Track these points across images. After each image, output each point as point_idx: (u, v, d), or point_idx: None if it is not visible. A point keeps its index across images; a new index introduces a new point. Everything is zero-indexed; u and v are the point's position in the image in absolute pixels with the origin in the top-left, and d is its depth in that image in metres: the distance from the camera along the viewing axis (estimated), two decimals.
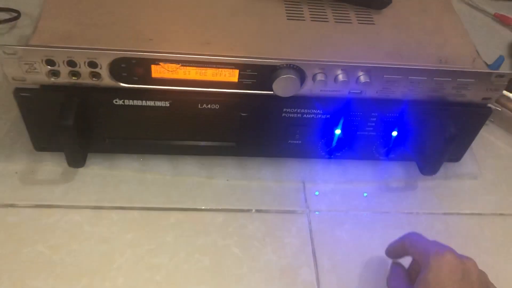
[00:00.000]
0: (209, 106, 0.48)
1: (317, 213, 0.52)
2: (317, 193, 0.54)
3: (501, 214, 0.55)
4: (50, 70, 0.44)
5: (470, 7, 0.82)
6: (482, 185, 0.57)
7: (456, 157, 0.57)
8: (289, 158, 0.55)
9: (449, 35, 0.52)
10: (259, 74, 0.46)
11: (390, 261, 0.46)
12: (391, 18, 0.53)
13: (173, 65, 0.45)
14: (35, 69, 0.43)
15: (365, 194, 0.55)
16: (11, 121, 0.55)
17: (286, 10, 0.51)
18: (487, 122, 0.62)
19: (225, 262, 0.47)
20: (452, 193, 0.56)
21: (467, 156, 0.58)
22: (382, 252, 0.46)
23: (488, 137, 0.62)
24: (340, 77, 0.46)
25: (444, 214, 0.54)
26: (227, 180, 0.53)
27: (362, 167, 0.56)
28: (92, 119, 0.48)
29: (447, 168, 0.57)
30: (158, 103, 0.47)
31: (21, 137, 0.52)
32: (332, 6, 0.53)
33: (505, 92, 0.62)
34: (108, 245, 0.47)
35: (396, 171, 0.56)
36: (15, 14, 0.65)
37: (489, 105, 0.51)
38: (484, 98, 0.50)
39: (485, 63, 0.60)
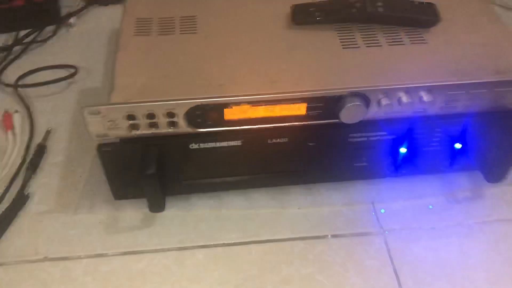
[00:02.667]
0: (278, 140, 0.50)
1: (390, 232, 0.53)
2: (382, 210, 0.55)
3: None
4: (131, 124, 0.46)
5: (506, 9, 0.83)
6: None
7: None
8: (356, 180, 0.57)
9: (501, 45, 0.53)
10: (326, 104, 0.48)
11: (471, 271, 0.47)
12: (441, 35, 0.54)
13: (244, 106, 0.47)
14: (117, 124, 0.46)
15: (430, 207, 0.56)
16: (86, 174, 0.57)
17: (340, 40, 0.53)
18: None
19: None
20: None
21: None
22: (460, 264, 0.47)
23: None
24: (404, 99, 0.48)
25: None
26: (299, 208, 0.55)
27: (428, 181, 0.57)
28: (170, 164, 0.50)
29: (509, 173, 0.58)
30: (231, 143, 0.49)
31: (99, 188, 0.55)
32: (383, 30, 0.54)
33: None
34: (198, 284, 0.49)
35: (461, 182, 0.57)
36: (72, 70, 0.69)
37: None
38: None
39: None
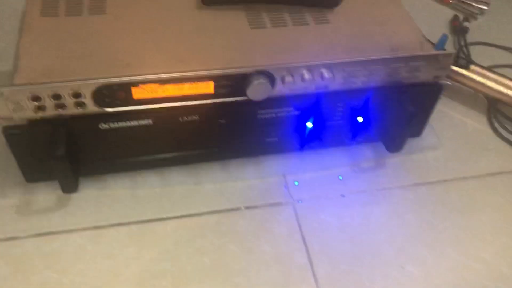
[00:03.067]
0: (189, 118, 0.52)
1: (300, 202, 0.56)
2: (296, 183, 0.58)
3: (463, 178, 0.61)
4: (36, 106, 0.46)
5: None
6: (443, 154, 0.63)
7: (417, 133, 0.63)
8: (268, 155, 0.59)
9: (397, 25, 0.57)
10: (233, 83, 0.50)
11: (372, 233, 0.51)
12: (343, 15, 0.57)
13: (152, 85, 0.48)
14: (22, 106, 0.46)
15: (340, 178, 0.60)
16: None
17: (248, 20, 0.55)
18: (440, 96, 0.68)
19: (224, 259, 0.51)
20: (418, 165, 0.61)
21: (427, 131, 0.63)
22: (362, 227, 0.51)
23: (443, 110, 0.68)
24: (306, 76, 0.51)
25: (414, 185, 0.59)
26: (214, 183, 0.57)
27: (335, 154, 0.61)
28: (81, 145, 0.51)
29: (410, 143, 0.63)
30: (142, 122, 0.50)
31: (10, 172, 0.54)
32: (289, 11, 0.57)
33: (454, 68, 0.68)
34: (113, 260, 0.50)
35: (366, 153, 0.62)
36: None
37: (441, 81, 0.57)
38: (435, 77, 0.56)
39: (432, 43, 0.66)
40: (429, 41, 0.70)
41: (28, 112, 0.46)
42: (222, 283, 0.49)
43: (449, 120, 0.67)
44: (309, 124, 0.56)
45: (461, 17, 0.83)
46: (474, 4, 0.86)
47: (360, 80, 0.53)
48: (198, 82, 0.49)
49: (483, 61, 0.74)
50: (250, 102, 0.51)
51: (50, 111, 0.47)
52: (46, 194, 0.54)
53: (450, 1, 0.86)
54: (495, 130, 0.67)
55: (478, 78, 0.68)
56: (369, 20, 0.58)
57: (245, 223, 0.54)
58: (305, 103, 0.54)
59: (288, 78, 0.51)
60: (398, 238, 0.54)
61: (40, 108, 0.46)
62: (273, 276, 0.50)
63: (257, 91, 0.50)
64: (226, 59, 0.50)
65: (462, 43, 0.78)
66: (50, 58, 0.48)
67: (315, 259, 0.52)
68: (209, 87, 0.50)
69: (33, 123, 0.48)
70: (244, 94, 0.50)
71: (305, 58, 0.51)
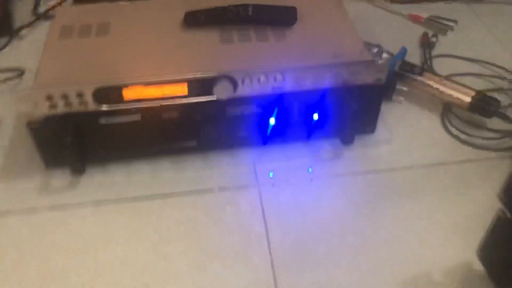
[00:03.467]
0: (170, 115, 0.65)
1: (263, 185, 0.68)
2: (271, 174, 0.70)
3: (410, 167, 0.70)
4: (50, 104, 0.61)
5: (386, 11, 0.99)
6: (394, 148, 0.73)
7: (371, 129, 0.73)
8: (241, 148, 0.71)
9: (343, 37, 0.69)
10: (202, 85, 0.63)
11: (324, 212, 0.62)
12: (299, 32, 0.70)
13: (138, 87, 0.62)
14: (39, 105, 0.60)
15: (310, 170, 0.71)
16: (25, 151, 0.71)
17: (219, 37, 0.69)
18: (400, 100, 0.78)
19: (196, 227, 0.63)
20: (370, 157, 0.71)
21: (382, 129, 0.74)
22: (314, 206, 0.61)
23: (400, 112, 0.78)
24: (262, 79, 0.63)
25: (364, 172, 0.69)
26: (194, 171, 0.70)
27: (299, 147, 0.72)
28: (85, 137, 0.65)
29: (365, 139, 0.73)
30: (132, 118, 0.64)
31: (32, 160, 0.69)
32: (255, 30, 0.70)
33: (410, 75, 0.78)
34: (108, 227, 0.63)
35: (325, 146, 0.72)
36: (19, 72, 0.83)
37: (380, 83, 0.67)
38: (377, 79, 0.67)
39: (391, 54, 0.77)
40: (389, 52, 0.82)
41: (44, 109, 0.61)
42: (193, 245, 0.61)
43: (405, 121, 0.77)
44: (272, 121, 0.68)
45: (431, 34, 0.93)
46: (443, 22, 0.96)
47: (309, 83, 0.65)
48: (174, 85, 0.62)
49: (445, 70, 0.84)
50: (219, 102, 0.64)
51: (60, 109, 0.61)
52: (60, 177, 0.68)
53: (422, 20, 0.97)
54: (446, 128, 0.76)
55: (432, 84, 0.78)
56: (320, 34, 0.69)
57: (216, 201, 0.66)
58: (266, 102, 0.66)
59: (247, 81, 0.63)
60: (343, 214, 0.64)
61: (53, 106, 0.61)
62: (235, 240, 0.61)
63: (221, 91, 0.63)
64: (197, 66, 0.63)
65: (427, 55, 0.88)
66: (61, 69, 0.63)
67: (270, 230, 0.62)
68: (183, 89, 0.63)
69: (48, 119, 0.62)
70: (212, 94, 0.63)
71: (261, 65, 0.63)
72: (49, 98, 0.60)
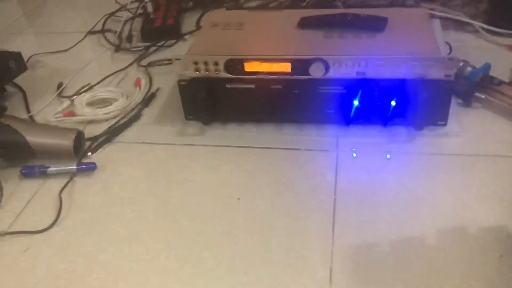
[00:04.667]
0: (276, 86, 0.86)
1: (341, 152, 0.84)
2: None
3: (472, 155, 0.81)
4: (195, 68, 0.86)
5: (486, 41, 1.11)
6: (462, 140, 0.84)
7: (443, 122, 0.86)
8: (328, 124, 0.89)
9: (423, 42, 0.84)
10: (302, 65, 0.83)
11: (385, 175, 0.77)
12: (387, 36, 0.87)
13: (255, 63, 0.84)
14: (188, 67, 0.87)
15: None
16: (173, 111, 0.98)
17: (323, 35, 0.89)
18: (478, 106, 0.90)
19: (282, 169, 0.82)
20: (439, 143, 0.84)
21: (454, 125, 0.86)
22: (380, 171, 0.77)
23: (474, 115, 0.89)
24: (349, 64, 0.82)
25: (430, 153, 0.82)
26: (289, 135, 0.89)
27: (378, 129, 0.87)
28: (215, 96, 0.89)
29: (438, 130, 0.86)
30: (248, 86, 0.87)
31: (178, 114, 0.95)
32: (352, 32, 0.89)
33: (491, 85, 0.90)
34: (222, 160, 0.85)
35: (400, 130, 0.87)
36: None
37: (451, 79, 0.81)
38: (446, 75, 0.80)
39: (475, 67, 0.90)
40: (475, 67, 0.94)
41: (191, 71, 0.87)
42: (277, 179, 0.80)
43: (478, 123, 0.88)
44: (356, 102, 0.85)
45: None
46: None
47: (387, 72, 0.81)
48: (281, 63, 0.84)
49: None
50: (313, 80, 0.84)
51: (202, 73, 0.87)
52: (193, 126, 0.93)
53: None
54: None
55: (508, 93, 0.88)
56: (403, 39, 0.86)
57: (302, 156, 0.84)
58: (351, 85, 0.84)
59: (337, 65, 0.82)
60: (402, 179, 0.78)
61: (197, 69, 0.87)
62: (309, 182, 0.79)
63: (316, 71, 0.83)
64: (300, 50, 0.84)
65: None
66: (206, 46, 0.89)
67: (339, 179, 0.79)
68: (287, 67, 0.84)
69: (193, 79, 0.88)
70: (309, 74, 0.83)
71: (349, 53, 0.82)
72: (195, 63, 0.86)
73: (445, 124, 0.86)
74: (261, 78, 0.86)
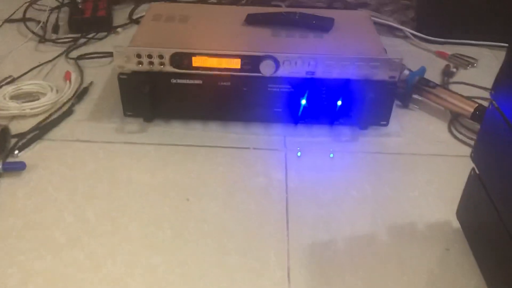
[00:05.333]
0: (224, 83, 0.83)
1: (289, 150, 0.84)
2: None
3: (414, 154, 0.84)
4: (137, 61, 0.81)
5: (417, 47, 1.16)
6: (403, 140, 0.87)
7: (385, 122, 0.88)
8: (276, 123, 0.88)
9: (368, 42, 0.87)
10: (251, 61, 0.81)
11: (336, 173, 0.77)
12: (333, 35, 0.88)
13: (203, 57, 0.81)
14: (130, 60, 0.81)
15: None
16: (110, 104, 0.92)
17: (271, 33, 0.88)
18: (415, 108, 0.94)
19: (231, 169, 0.79)
20: (381, 142, 0.86)
21: (395, 125, 0.89)
22: (329, 170, 0.76)
23: (412, 116, 0.93)
24: (298, 62, 0.81)
25: (374, 152, 0.84)
26: (236, 134, 0.87)
27: (323, 129, 0.88)
28: (158, 92, 0.84)
29: (379, 130, 0.88)
30: (196, 81, 0.83)
31: (116, 110, 0.89)
32: (299, 31, 0.89)
33: (427, 88, 0.94)
34: (164, 159, 0.81)
35: (345, 131, 0.88)
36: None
37: (394, 80, 0.83)
38: (390, 77, 0.83)
39: (411, 70, 0.93)
40: (411, 70, 0.97)
41: (133, 65, 0.82)
42: (227, 180, 0.77)
43: (417, 123, 0.92)
44: (303, 101, 0.85)
45: (453, 66, 1.09)
46: (465, 59, 1.11)
47: (335, 72, 0.82)
48: (230, 58, 0.81)
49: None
50: (263, 77, 0.82)
51: (145, 67, 0.82)
52: (133, 123, 0.88)
53: (447, 56, 1.13)
54: (450, 131, 0.90)
55: (442, 96, 0.93)
56: (349, 38, 0.88)
57: (250, 155, 0.82)
58: (300, 84, 0.84)
59: (287, 63, 0.81)
60: (351, 177, 0.79)
61: (140, 63, 0.81)
62: (260, 181, 0.77)
63: (266, 68, 0.81)
64: (250, 47, 0.83)
65: (446, 80, 1.03)
66: (149, 38, 0.84)
67: (289, 178, 0.78)
68: (237, 63, 0.82)
69: (135, 73, 0.83)
70: (259, 71, 0.82)
71: (299, 52, 0.82)
72: (138, 55, 0.81)
73: (386, 124, 0.89)
74: (209, 74, 0.83)
